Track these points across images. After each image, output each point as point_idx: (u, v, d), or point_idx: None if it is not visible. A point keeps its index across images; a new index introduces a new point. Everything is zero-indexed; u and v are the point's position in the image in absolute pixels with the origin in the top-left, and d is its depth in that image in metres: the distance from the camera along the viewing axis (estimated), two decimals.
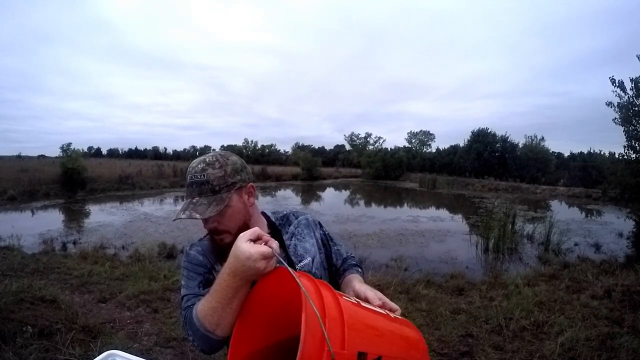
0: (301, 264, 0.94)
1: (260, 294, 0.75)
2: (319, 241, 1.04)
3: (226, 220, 0.85)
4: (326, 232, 1.10)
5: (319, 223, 1.10)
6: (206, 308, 0.75)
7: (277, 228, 0.99)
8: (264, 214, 1.01)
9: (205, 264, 0.90)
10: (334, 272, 1.06)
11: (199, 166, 0.85)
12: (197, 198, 0.83)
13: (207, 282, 0.87)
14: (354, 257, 1.12)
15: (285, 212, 1.06)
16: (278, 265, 0.70)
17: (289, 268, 0.63)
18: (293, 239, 0.99)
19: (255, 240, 0.71)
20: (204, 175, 0.83)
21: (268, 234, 0.95)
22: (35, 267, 4.61)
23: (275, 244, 0.72)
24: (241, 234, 0.72)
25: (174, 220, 0.86)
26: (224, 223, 0.85)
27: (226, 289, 0.71)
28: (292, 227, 1.01)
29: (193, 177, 0.84)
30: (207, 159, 0.86)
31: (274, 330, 0.77)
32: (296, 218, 1.04)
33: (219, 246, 0.89)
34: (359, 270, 1.05)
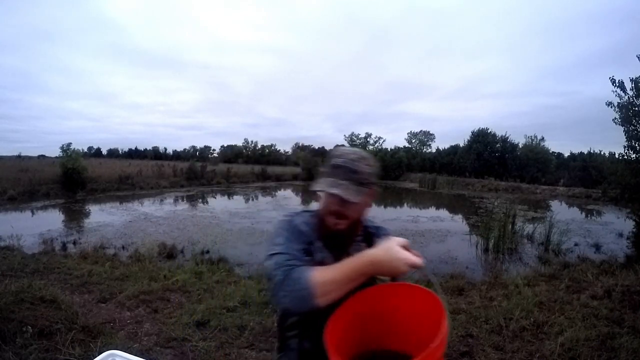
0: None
1: (365, 297, 0.85)
2: None
3: (353, 209, 0.91)
4: None
5: None
6: (327, 277, 0.80)
7: (369, 232, 1.05)
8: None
9: (308, 236, 0.96)
10: None
11: (353, 156, 0.92)
12: (344, 182, 0.88)
13: (307, 252, 0.93)
14: None
15: (379, 226, 1.12)
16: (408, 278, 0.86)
17: (438, 287, 0.76)
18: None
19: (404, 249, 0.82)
20: (356, 166, 0.90)
21: (361, 235, 1.03)
22: (35, 267, 4.61)
23: (421, 259, 0.80)
24: (394, 238, 0.83)
25: (316, 190, 0.91)
26: (350, 211, 0.91)
27: (355, 270, 0.79)
28: (379, 240, 1.08)
29: (346, 163, 0.90)
30: (360, 153, 0.94)
31: (363, 336, 0.87)
32: (384, 233, 1.10)
33: (326, 227, 0.95)
34: None
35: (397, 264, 0.78)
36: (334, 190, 0.86)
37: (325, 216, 0.94)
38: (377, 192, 0.99)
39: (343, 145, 1.10)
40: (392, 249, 0.80)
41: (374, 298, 0.86)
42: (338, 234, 0.94)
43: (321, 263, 0.91)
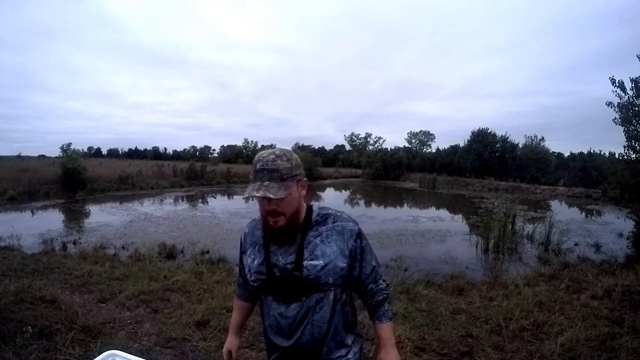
0: (307, 262, 1.00)
1: None
2: (347, 251, 1.05)
3: (285, 204, 0.97)
4: (363, 246, 1.09)
5: (359, 235, 1.09)
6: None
7: (308, 223, 1.06)
8: (310, 207, 1.10)
9: (243, 244, 1.17)
10: (361, 289, 1.12)
11: (270, 157, 0.96)
12: (268, 182, 0.93)
13: (240, 260, 1.20)
14: (385, 289, 1.13)
15: (330, 213, 1.09)
16: None
17: None
18: (318, 238, 1.04)
19: None
20: (275, 165, 0.94)
21: (312, 225, 1.06)
22: (35, 267, 4.61)
23: None
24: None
25: (245, 197, 0.96)
26: (283, 207, 0.97)
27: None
28: (324, 228, 1.06)
29: (264, 165, 0.95)
30: (277, 152, 0.98)
31: None
32: (334, 222, 1.07)
33: (269, 227, 1.01)
34: (389, 314, 1.12)
35: None
36: (258, 193, 0.91)
37: (265, 218, 1.00)
38: (306, 182, 1.03)
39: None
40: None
41: None
42: (282, 230, 0.99)
43: (259, 271, 1.07)
